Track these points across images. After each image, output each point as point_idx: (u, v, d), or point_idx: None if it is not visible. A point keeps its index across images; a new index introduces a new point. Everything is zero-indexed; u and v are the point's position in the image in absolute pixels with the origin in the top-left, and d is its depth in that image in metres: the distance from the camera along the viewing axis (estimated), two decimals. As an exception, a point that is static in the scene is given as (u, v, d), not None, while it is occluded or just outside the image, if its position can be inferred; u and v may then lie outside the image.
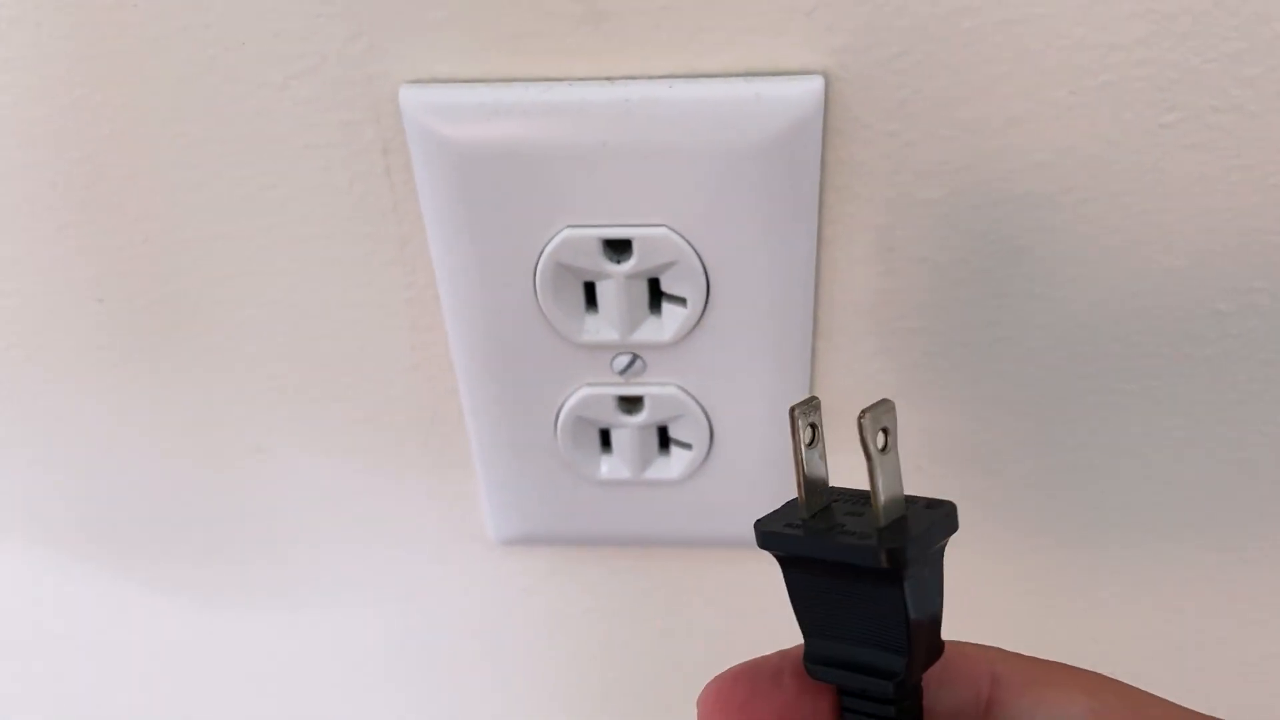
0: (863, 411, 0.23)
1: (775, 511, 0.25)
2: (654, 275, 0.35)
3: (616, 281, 0.35)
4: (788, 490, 0.40)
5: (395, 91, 0.33)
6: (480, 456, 0.41)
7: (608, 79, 0.32)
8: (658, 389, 0.37)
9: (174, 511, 0.45)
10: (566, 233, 0.34)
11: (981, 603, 0.45)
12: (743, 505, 0.41)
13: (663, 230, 0.34)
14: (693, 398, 0.37)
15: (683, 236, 0.34)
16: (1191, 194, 0.33)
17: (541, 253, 0.34)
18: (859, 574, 0.22)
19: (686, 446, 0.39)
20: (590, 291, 0.36)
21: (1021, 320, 0.36)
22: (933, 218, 0.34)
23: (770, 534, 0.24)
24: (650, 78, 0.32)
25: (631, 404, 0.38)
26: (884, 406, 0.23)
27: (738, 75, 0.32)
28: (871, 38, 0.31)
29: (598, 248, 0.34)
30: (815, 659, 0.24)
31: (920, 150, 0.33)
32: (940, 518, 0.23)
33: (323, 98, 0.33)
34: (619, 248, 0.35)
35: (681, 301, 0.35)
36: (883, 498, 0.23)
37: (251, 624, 0.49)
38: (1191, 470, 0.39)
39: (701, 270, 0.34)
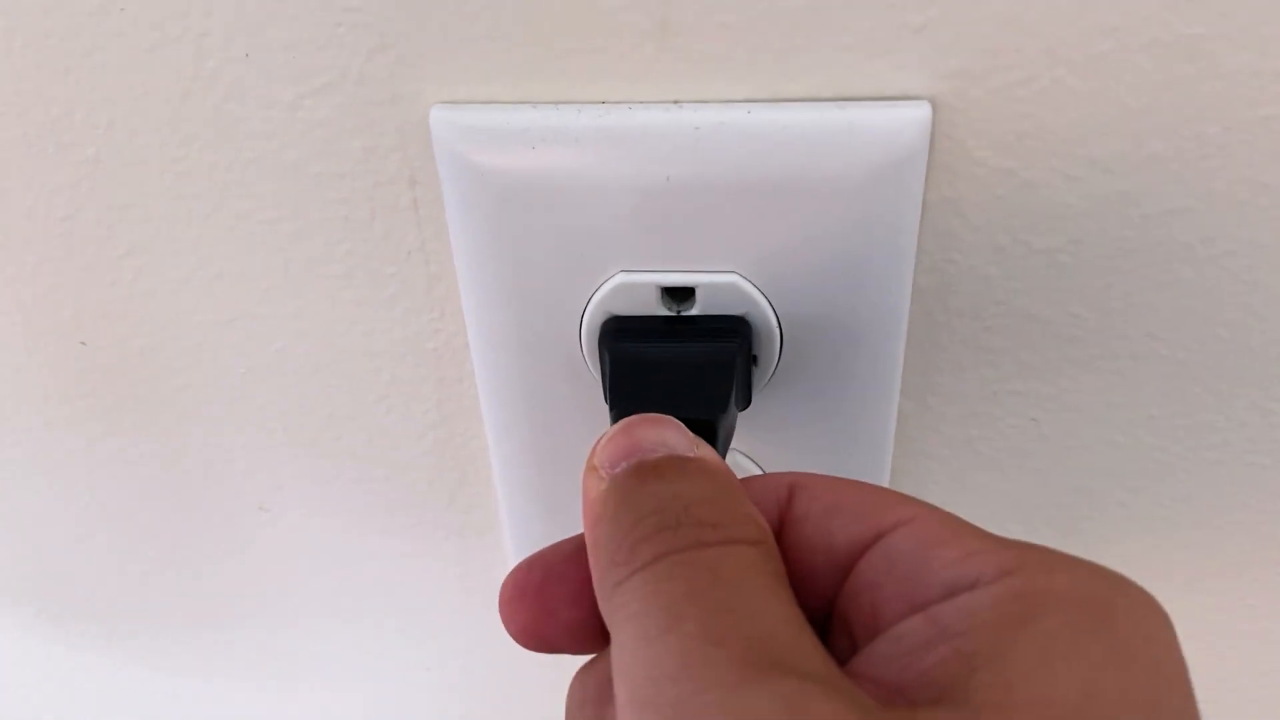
0: None
1: None
2: (720, 328, 0.31)
3: (676, 335, 0.30)
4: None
5: (425, 114, 0.29)
6: (511, 522, 0.37)
7: (674, 103, 0.28)
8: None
9: (166, 577, 0.42)
10: (620, 278, 0.30)
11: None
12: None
13: (732, 278, 0.30)
14: (759, 467, 0.33)
15: (755, 285, 0.30)
16: (1353, 246, 0.29)
17: (590, 300, 0.31)
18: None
19: (747, 517, 0.35)
20: (644, 344, 0.32)
21: (1140, 384, 0.32)
22: (1050, 269, 0.30)
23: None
24: (724, 102, 0.28)
25: (687, 470, 0.34)
26: None
27: (829, 100, 0.28)
28: (990, 60, 0.26)
29: (655, 296, 0.30)
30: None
31: (1040, 191, 0.28)
32: None
33: (342, 119, 0.30)
34: (680, 296, 0.31)
35: (751, 359, 0.31)
36: None
37: (254, 699, 0.46)
38: (1324, 554, 0.35)
39: (775, 324, 0.30)
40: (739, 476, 0.24)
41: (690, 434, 0.23)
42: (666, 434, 0.22)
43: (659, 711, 0.17)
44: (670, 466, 0.22)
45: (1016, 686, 0.16)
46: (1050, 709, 0.16)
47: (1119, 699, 0.16)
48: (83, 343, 0.35)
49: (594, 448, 0.23)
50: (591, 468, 0.22)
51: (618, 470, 0.22)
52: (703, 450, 0.22)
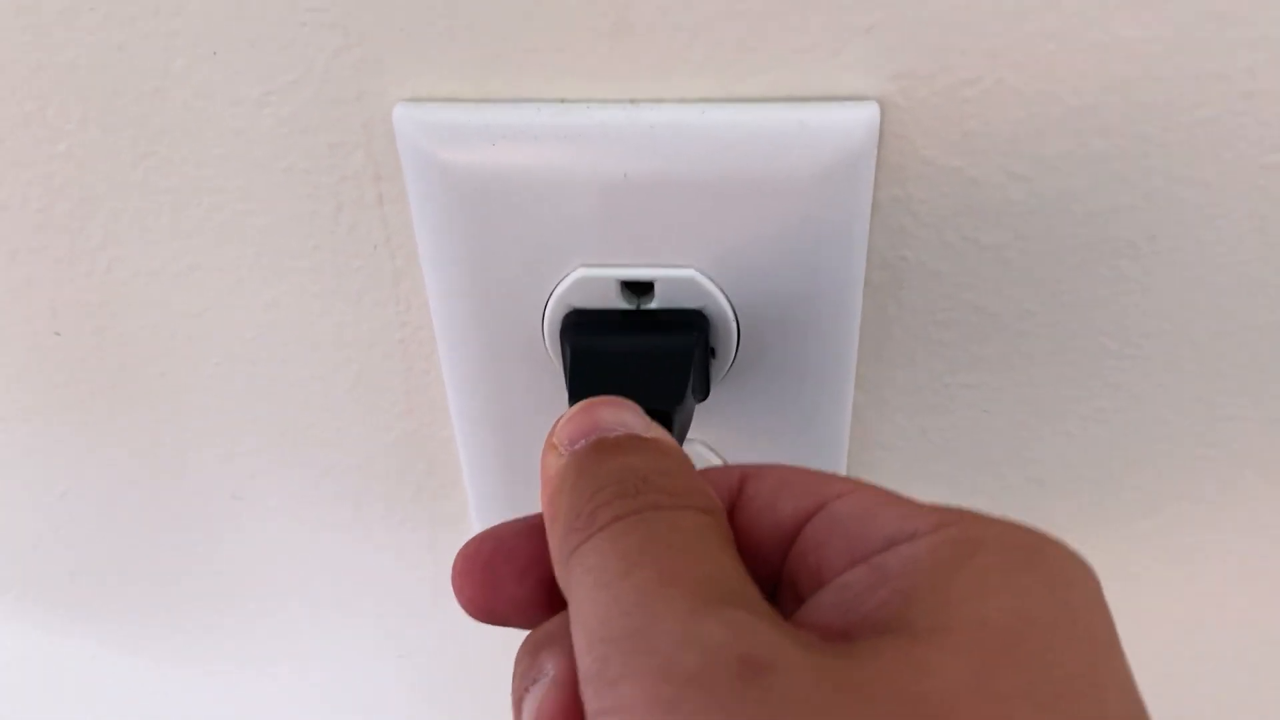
0: None
1: None
2: (678, 322, 0.31)
3: (635, 328, 0.31)
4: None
5: (389, 111, 0.30)
6: (478, 511, 0.37)
7: (630, 102, 0.29)
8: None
9: (141, 565, 0.42)
10: (580, 272, 0.30)
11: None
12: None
13: (689, 273, 0.30)
14: (719, 456, 0.34)
15: (712, 280, 0.30)
16: (1293, 243, 0.29)
17: (551, 294, 0.31)
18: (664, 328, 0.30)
19: (709, 506, 0.35)
20: (605, 337, 0.32)
21: (1092, 378, 0.32)
22: (997, 265, 0.30)
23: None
24: (680, 101, 0.29)
25: (649, 460, 0.35)
26: None
27: (780, 100, 0.28)
28: (938, 61, 0.27)
29: (615, 289, 0.31)
30: None
31: (987, 189, 0.29)
32: None
33: (307, 116, 0.30)
34: (639, 290, 0.31)
35: (709, 352, 0.31)
36: None
37: (227, 685, 0.46)
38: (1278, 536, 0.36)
39: (732, 318, 0.31)
40: (696, 467, 0.24)
41: (647, 417, 0.23)
42: (625, 415, 0.23)
43: (613, 643, 0.17)
44: (629, 443, 0.22)
45: (952, 611, 0.17)
46: (984, 629, 0.17)
47: (1049, 623, 0.17)
48: (57, 333, 0.35)
49: (553, 427, 0.23)
50: (551, 445, 0.23)
51: (578, 446, 0.22)
52: (658, 432, 0.23)
